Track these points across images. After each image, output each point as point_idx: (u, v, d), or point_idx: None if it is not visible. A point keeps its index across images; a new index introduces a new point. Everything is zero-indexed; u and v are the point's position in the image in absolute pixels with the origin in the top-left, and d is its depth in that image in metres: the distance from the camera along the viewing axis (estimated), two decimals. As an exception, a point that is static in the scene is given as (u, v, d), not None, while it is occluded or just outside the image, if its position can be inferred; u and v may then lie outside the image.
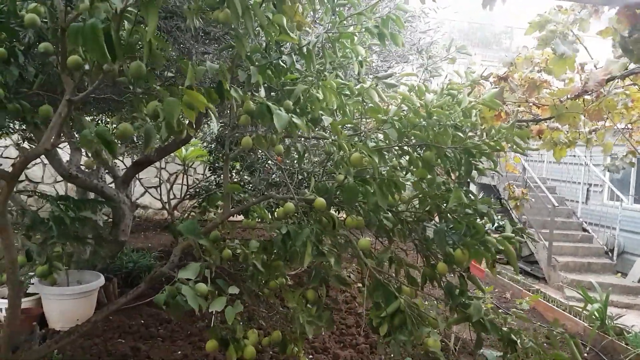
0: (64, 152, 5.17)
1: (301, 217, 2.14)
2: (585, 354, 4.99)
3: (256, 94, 1.78)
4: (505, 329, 1.94)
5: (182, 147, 8.03)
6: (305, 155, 2.29)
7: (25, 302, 4.26)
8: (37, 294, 4.42)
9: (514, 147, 1.99)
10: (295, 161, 5.28)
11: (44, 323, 4.40)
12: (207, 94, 1.70)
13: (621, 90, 2.65)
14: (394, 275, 2.13)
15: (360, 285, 6.46)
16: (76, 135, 4.95)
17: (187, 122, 1.64)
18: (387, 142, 2.07)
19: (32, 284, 4.42)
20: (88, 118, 4.81)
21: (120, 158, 7.65)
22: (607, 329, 5.12)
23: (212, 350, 1.81)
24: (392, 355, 4.09)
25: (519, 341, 1.94)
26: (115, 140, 1.62)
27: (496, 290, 7.13)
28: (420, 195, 2.12)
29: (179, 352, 4.11)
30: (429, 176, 2.02)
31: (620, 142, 4.70)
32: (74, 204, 2.65)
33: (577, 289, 6.07)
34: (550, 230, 7.87)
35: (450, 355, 4.58)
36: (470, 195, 2.12)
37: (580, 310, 5.76)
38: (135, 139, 6.05)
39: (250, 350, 1.85)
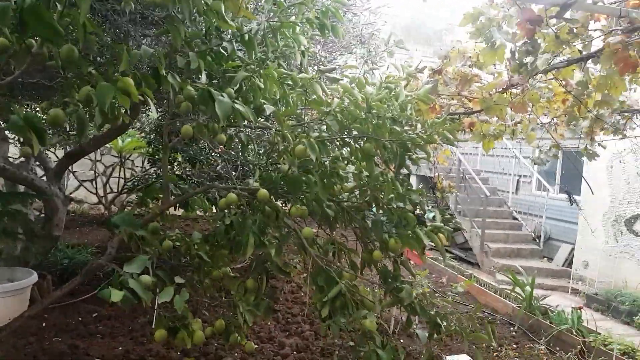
0: (-11, 143, 4.83)
1: (244, 208, 2.16)
2: (514, 332, 5.35)
3: (197, 81, 1.77)
4: (432, 312, 2.07)
5: (119, 138, 7.76)
6: (249, 146, 2.30)
7: (-50, 302, 3.98)
8: (-37, 293, 4.14)
9: (445, 140, 2.12)
10: (239, 152, 5.26)
11: (-31, 324, 4.14)
12: (143, 79, 1.67)
13: (544, 85, 2.85)
14: (335, 261, 2.21)
15: (305, 275, 6.56)
16: (2, 124, 4.66)
17: (123, 110, 1.61)
18: (329, 133, 2.13)
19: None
20: (16, 106, 4.54)
21: (53, 149, 7.28)
22: (534, 309, 5.51)
23: (160, 341, 1.80)
24: (332, 337, 4.21)
25: (444, 324, 2.07)
26: (46, 128, 1.56)
27: (433, 275, 7.46)
28: (360, 187, 2.20)
29: (120, 348, 4.00)
30: (368, 167, 2.10)
31: (547, 136, 5.05)
32: (2, 197, 2.52)
33: (507, 273, 6.46)
34: (483, 219, 8.33)
35: (390, 336, 4.76)
36: (406, 185, 2.22)
37: (510, 292, 6.15)
38: (67, 128, 5.77)
39: (199, 335, 1.86)
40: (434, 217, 2.10)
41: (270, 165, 2.46)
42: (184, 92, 1.66)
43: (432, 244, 1.99)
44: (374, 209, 2.23)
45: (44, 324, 4.34)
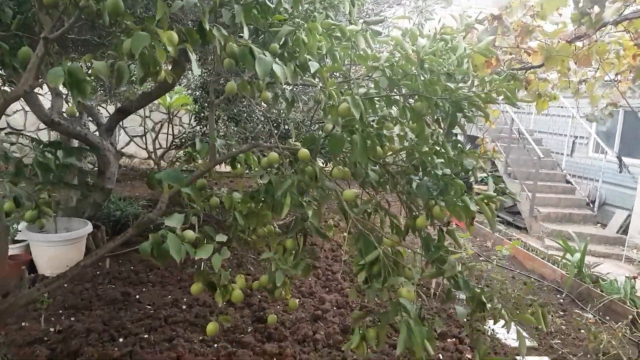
0: (45, 99, 5.03)
1: (285, 168, 2.13)
2: (562, 300, 5.21)
3: (241, 36, 1.71)
4: (477, 289, 1.98)
5: (167, 95, 7.88)
6: (295, 103, 2.24)
7: (14, 249, 4.27)
8: (25, 240, 4.43)
9: (506, 99, 1.96)
10: (282, 111, 5.21)
11: (33, 270, 4.44)
12: (187, 34, 1.63)
13: (614, 39, 2.60)
14: (376, 225, 2.15)
15: (346, 234, 6.59)
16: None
17: (164, 64, 1.58)
18: (377, 90, 2.03)
19: (20, 231, 4.42)
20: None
21: (104, 106, 7.49)
22: (584, 277, 5.32)
23: (197, 294, 1.84)
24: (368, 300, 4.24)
25: (488, 305, 1.98)
26: (89, 79, 1.56)
27: (477, 239, 7.32)
28: (407, 149, 2.10)
29: (169, 297, 4.20)
30: (418, 128, 1.99)
31: (606, 96, 4.70)
32: (58, 149, 2.60)
33: (557, 238, 6.24)
34: (534, 182, 8.00)
35: (431, 299, 4.76)
36: (459, 147, 2.10)
37: (559, 259, 5.95)
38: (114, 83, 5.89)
39: (237, 294, 1.88)
40: (482, 180, 1.98)
41: (314, 124, 2.40)
42: (226, 49, 1.61)
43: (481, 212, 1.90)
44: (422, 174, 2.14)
45: (98, 272, 4.60)
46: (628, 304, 4.59)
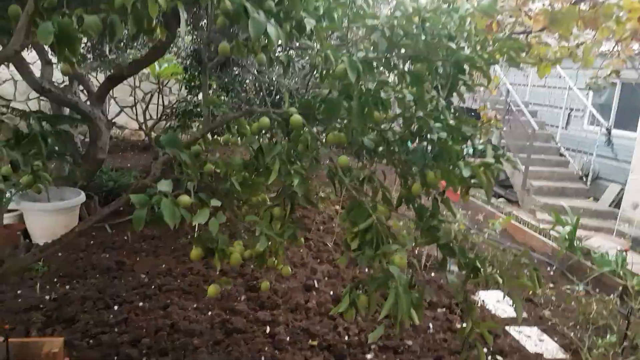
0: (36, 69, 4.89)
1: (276, 134, 2.09)
2: (552, 272, 5.28)
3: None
4: (471, 255, 1.98)
5: (156, 64, 7.72)
6: (290, 68, 2.19)
7: (7, 218, 4.24)
8: (18, 210, 4.39)
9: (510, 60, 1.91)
10: (274, 79, 5.12)
11: (27, 239, 4.42)
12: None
13: (615, 1, 2.54)
14: (370, 195, 2.13)
15: (337, 207, 6.60)
16: (45, 47, 4.68)
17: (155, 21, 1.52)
18: (375, 52, 1.98)
19: (13, 200, 4.37)
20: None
21: (94, 74, 7.35)
22: (575, 250, 5.37)
23: (196, 259, 1.83)
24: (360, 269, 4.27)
25: (482, 270, 1.97)
26: (80, 37, 1.50)
27: (469, 212, 7.36)
28: (404, 115, 2.06)
29: (164, 266, 4.21)
30: (417, 93, 1.95)
31: (606, 66, 4.65)
32: (49, 119, 2.54)
33: (549, 211, 6.28)
34: (527, 155, 7.99)
35: (421, 271, 4.80)
36: (458, 115, 2.07)
37: (550, 232, 6.00)
38: (108, 51, 5.77)
39: (235, 257, 1.88)
40: (483, 151, 1.94)
41: (309, 92, 2.36)
42: (220, 6, 1.55)
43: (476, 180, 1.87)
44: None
45: (92, 242, 4.59)
46: (618, 277, 4.65)
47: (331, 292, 4.01)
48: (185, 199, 1.67)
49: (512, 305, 4.23)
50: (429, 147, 1.96)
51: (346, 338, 3.35)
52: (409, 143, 2.18)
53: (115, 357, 2.86)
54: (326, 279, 4.30)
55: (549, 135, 9.40)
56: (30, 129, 2.15)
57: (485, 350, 3.43)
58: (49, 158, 2.39)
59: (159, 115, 8.36)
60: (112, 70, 5.96)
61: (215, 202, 1.74)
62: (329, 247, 5.08)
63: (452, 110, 2.08)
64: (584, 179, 8.43)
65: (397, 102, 2.02)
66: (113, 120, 9.60)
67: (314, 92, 2.19)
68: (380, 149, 2.09)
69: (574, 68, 4.00)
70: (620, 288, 4.35)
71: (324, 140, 2.06)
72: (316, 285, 4.11)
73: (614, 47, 3.53)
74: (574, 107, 9.19)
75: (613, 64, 4.19)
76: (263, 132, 2.13)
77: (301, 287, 4.06)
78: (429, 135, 1.93)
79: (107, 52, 5.89)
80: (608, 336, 2.97)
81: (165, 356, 2.95)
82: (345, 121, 2.12)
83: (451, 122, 1.92)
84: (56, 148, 2.43)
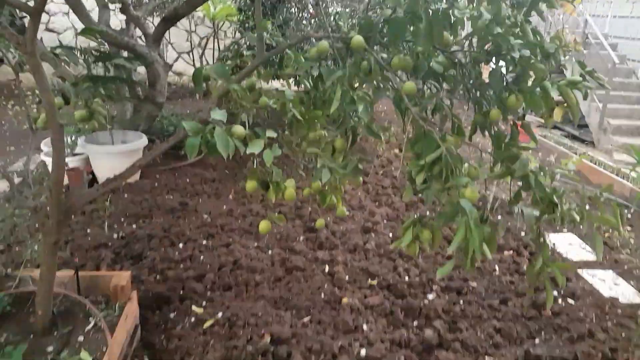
0: (93, 14, 4.93)
1: (336, 59, 1.94)
2: (629, 215, 4.92)
3: None
4: (549, 189, 1.79)
5: (210, 4, 7.61)
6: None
7: (73, 162, 4.42)
8: (84, 153, 4.56)
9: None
10: (332, 15, 4.87)
11: (94, 181, 4.62)
12: None
13: None
14: (438, 124, 1.96)
15: (397, 151, 6.40)
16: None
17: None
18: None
19: (78, 143, 4.55)
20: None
21: (151, 18, 7.36)
22: (656, 191, 4.96)
23: (251, 191, 1.78)
24: (424, 207, 4.14)
25: (559, 205, 1.78)
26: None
27: (540, 153, 6.93)
28: (479, 32, 1.84)
29: (224, 207, 4.29)
30: (493, 8, 1.73)
31: None
32: (104, 56, 2.52)
33: (630, 151, 5.78)
34: (606, 92, 7.32)
35: (488, 213, 4.60)
36: (537, 33, 1.83)
37: (628, 172, 5.55)
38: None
39: (290, 192, 1.81)
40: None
41: (371, 13, 2.16)
42: None
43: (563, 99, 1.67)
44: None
45: (155, 184, 4.73)
46: None
47: (390, 234, 3.94)
48: (239, 129, 1.60)
49: (588, 245, 4.01)
50: (509, 68, 1.75)
51: (406, 278, 3.29)
52: (482, 66, 1.98)
53: (181, 291, 2.96)
54: (385, 221, 4.22)
55: (630, 70, 8.56)
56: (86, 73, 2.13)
57: (555, 293, 3.27)
58: (109, 99, 2.39)
59: (215, 60, 8.35)
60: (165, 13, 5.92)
61: (270, 133, 1.65)
62: (388, 190, 4.96)
63: (532, 30, 1.85)
64: (669, 117, 7.66)
65: (471, 20, 1.81)
66: (171, 64, 9.73)
67: (375, 13, 2.00)
68: (451, 72, 1.90)
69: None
70: None
71: (388, 65, 1.90)
72: (375, 227, 4.04)
73: None
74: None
75: None
76: (322, 59, 1.99)
77: (359, 229, 4.01)
78: (508, 55, 1.72)
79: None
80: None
81: (228, 290, 3.02)
82: (411, 44, 1.95)
83: (531, 38, 1.70)
84: (114, 90, 2.42)
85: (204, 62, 8.90)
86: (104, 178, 4.56)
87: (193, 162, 5.22)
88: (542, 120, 1.85)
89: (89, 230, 3.69)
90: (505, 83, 1.75)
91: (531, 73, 1.72)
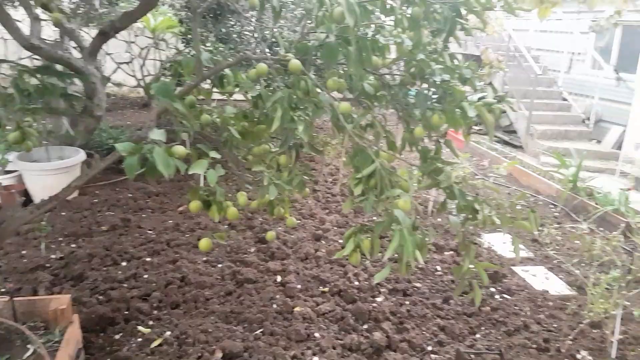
0: (24, 25, 4.73)
1: (274, 80, 2.03)
2: (556, 213, 5.31)
3: None
4: (470, 198, 1.97)
5: (150, 17, 7.48)
6: (282, 12, 2.10)
7: (6, 179, 4.23)
8: (17, 171, 4.38)
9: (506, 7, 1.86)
10: (274, 30, 4.95)
11: (29, 200, 4.43)
12: None
13: None
14: (372, 140, 2.10)
15: (344, 158, 6.57)
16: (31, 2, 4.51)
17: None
18: (371, -5, 1.90)
19: (11, 161, 4.36)
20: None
21: (86, 29, 7.14)
22: (579, 191, 5.39)
23: (195, 211, 1.82)
24: (368, 215, 4.29)
25: (480, 211, 1.96)
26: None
27: (474, 158, 7.33)
28: (404, 58, 2.00)
29: (170, 222, 4.24)
30: (415, 36, 1.89)
31: (611, 3, 4.48)
32: (37, 71, 2.46)
33: (553, 154, 6.25)
34: (531, 100, 7.89)
35: (428, 216, 4.84)
36: (455, 60, 2.02)
37: (554, 174, 5.99)
38: (97, 5, 5.58)
39: (232, 211, 1.86)
40: (484, 96, 1.90)
41: (306, 36, 2.27)
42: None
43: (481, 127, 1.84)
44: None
45: (96, 200, 4.61)
46: (621, 215, 4.68)
47: (340, 241, 4.05)
48: (180, 149, 1.63)
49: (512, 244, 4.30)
50: (432, 90, 1.91)
51: (356, 283, 3.41)
52: (411, 87, 2.13)
53: (126, 312, 2.92)
54: (335, 228, 4.34)
55: (551, 80, 9.25)
56: (13, 84, 2.08)
57: (493, 290, 3.51)
58: (40, 113, 2.33)
59: (157, 71, 8.20)
60: (102, 25, 5.79)
61: (214, 154, 1.70)
62: (337, 197, 5.09)
63: (450, 55, 2.03)
64: (587, 122, 8.34)
65: (396, 46, 1.96)
66: (109, 77, 9.43)
67: (310, 37, 2.11)
68: (381, 93, 2.04)
69: (575, 11, 3.87)
70: (624, 225, 4.38)
71: (323, 86, 2.01)
72: (325, 234, 4.15)
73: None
74: (575, 52, 8.98)
75: (616, 4, 4.06)
76: (261, 80, 2.07)
77: (310, 237, 4.10)
78: (431, 79, 1.88)
79: (98, 6, 5.70)
80: (612, 272, 3.01)
81: (176, 308, 3.01)
82: (344, 66, 2.06)
83: (449, 64, 1.87)
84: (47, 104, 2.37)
85: (145, 73, 8.71)
86: (39, 196, 4.39)
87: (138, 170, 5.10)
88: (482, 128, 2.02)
89: (24, 252, 3.55)
90: (430, 103, 1.90)
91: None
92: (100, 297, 3.04)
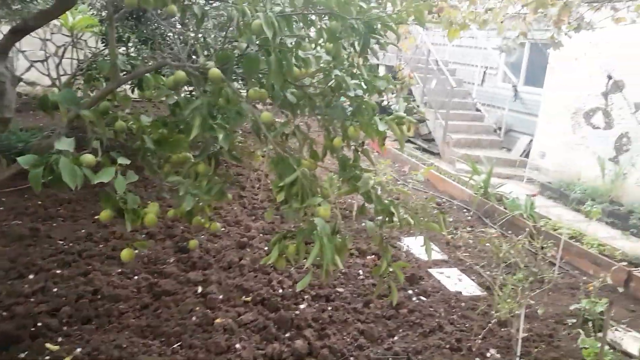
0: None
1: (195, 89, 2.01)
2: (469, 217, 5.66)
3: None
4: (386, 201, 2.08)
5: (69, 15, 7.05)
6: (204, 22, 2.09)
7: None
8: None
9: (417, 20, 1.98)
10: (197, 34, 4.87)
11: None
12: None
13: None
14: (295, 149, 2.15)
15: (266, 167, 6.58)
16: None
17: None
18: (292, 8, 1.94)
19: None
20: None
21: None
22: (489, 196, 5.78)
23: (106, 220, 1.75)
24: (293, 222, 4.34)
25: (396, 214, 2.07)
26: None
27: (396, 164, 7.64)
28: (323, 71, 2.07)
29: (82, 231, 4.02)
30: (334, 49, 1.96)
31: (514, 27, 4.91)
32: None
33: (467, 162, 6.66)
34: (447, 110, 8.40)
35: (352, 221, 4.97)
36: (373, 71, 2.12)
37: (467, 180, 6.39)
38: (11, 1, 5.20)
39: (150, 218, 1.82)
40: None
41: (228, 44, 2.27)
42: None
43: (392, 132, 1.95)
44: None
45: (1, 208, 4.27)
46: (527, 219, 5.08)
47: (265, 248, 4.04)
48: (88, 157, 1.57)
49: (436, 247, 4.54)
50: (348, 103, 1.99)
51: (280, 291, 3.42)
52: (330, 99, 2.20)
53: (33, 328, 2.73)
54: (261, 235, 4.32)
55: (466, 92, 9.88)
56: None
57: (410, 292, 3.67)
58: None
59: (74, 71, 7.73)
60: (15, 22, 5.39)
61: (123, 160, 1.65)
62: (264, 204, 5.08)
63: (369, 67, 2.12)
64: (498, 132, 8.99)
65: (315, 59, 2.02)
66: (21, 76, 8.76)
67: (232, 45, 2.12)
68: (303, 103, 2.09)
69: (487, 29, 4.21)
70: (528, 229, 4.76)
71: (245, 95, 2.02)
72: (250, 242, 4.12)
73: (519, 11, 3.74)
74: (488, 66, 9.67)
75: (519, 26, 4.46)
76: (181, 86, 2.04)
77: (235, 245, 4.05)
78: (346, 92, 1.96)
79: (11, 2, 5.30)
80: (517, 273, 3.25)
81: (88, 323, 2.86)
82: (265, 76, 2.09)
83: (367, 77, 1.96)
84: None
85: (61, 72, 8.18)
86: None
87: (43, 181, 4.79)
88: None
89: None
90: (345, 114, 1.98)
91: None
92: (4, 313, 2.82)
